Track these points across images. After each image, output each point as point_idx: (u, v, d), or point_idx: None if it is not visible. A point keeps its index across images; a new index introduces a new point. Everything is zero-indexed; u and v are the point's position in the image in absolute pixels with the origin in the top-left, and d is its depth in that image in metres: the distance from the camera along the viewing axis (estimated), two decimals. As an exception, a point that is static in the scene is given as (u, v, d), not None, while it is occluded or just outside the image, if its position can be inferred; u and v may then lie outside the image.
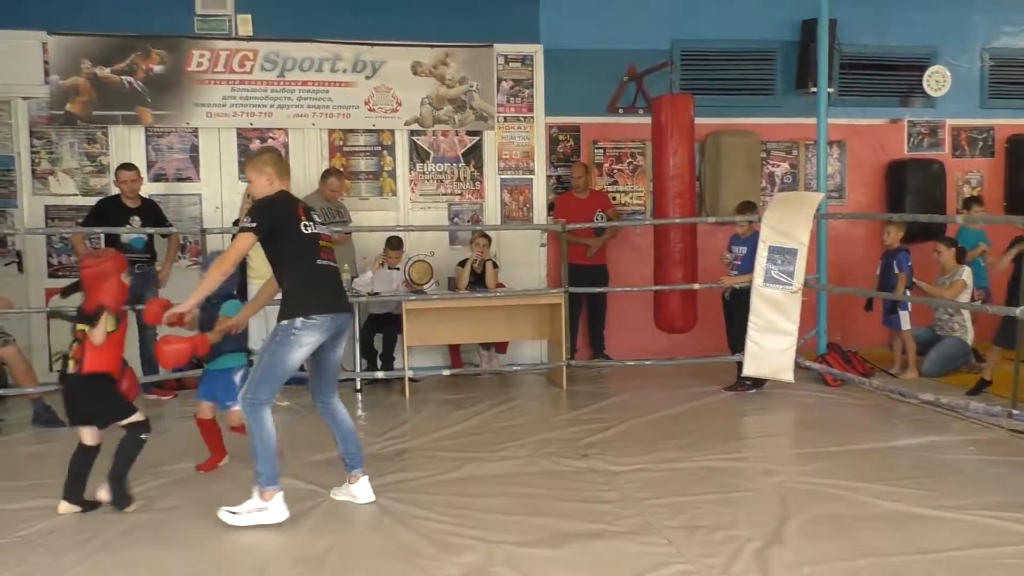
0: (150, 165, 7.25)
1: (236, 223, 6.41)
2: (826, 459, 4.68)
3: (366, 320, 7.04)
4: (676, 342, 7.48)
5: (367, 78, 7.46)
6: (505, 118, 7.80)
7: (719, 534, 3.60)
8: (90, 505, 3.97)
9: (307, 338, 3.80)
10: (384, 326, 7.03)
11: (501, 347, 7.51)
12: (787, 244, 6.18)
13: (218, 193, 7.26)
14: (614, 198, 7.96)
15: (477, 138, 7.79)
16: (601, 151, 8.04)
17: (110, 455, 4.01)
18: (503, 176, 7.85)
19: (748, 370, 6.28)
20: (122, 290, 4.04)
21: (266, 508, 3.78)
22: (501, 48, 7.72)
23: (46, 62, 7.00)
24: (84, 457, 3.98)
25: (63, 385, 4.01)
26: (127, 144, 7.20)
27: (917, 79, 8.26)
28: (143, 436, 4.01)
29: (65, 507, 3.96)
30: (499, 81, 7.75)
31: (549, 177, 7.94)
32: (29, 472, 4.67)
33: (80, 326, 3.97)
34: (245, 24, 7.29)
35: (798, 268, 6.16)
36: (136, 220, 6.33)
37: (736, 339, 6.45)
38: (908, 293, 6.74)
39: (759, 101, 8.15)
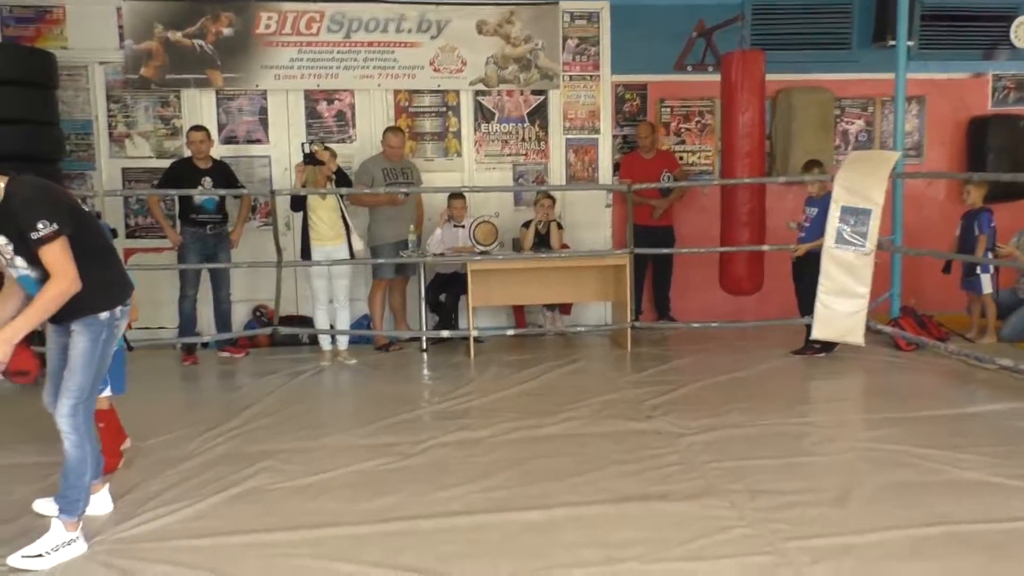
0: (221, 127, 7.39)
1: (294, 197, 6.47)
2: (896, 425, 4.58)
3: (432, 279, 7.10)
4: (743, 304, 7.38)
5: (432, 38, 7.45)
6: (570, 77, 7.72)
7: (783, 499, 3.56)
8: None
9: (122, 326, 3.37)
10: (449, 285, 7.09)
11: (565, 308, 7.51)
12: (861, 204, 6.00)
13: (287, 155, 7.37)
14: (681, 158, 7.83)
15: (542, 97, 7.73)
16: (668, 110, 7.90)
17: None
18: (568, 136, 7.79)
19: (817, 333, 6.16)
20: None
21: (74, 540, 3.22)
22: (567, 5, 7.62)
23: (120, 27, 7.16)
24: None
25: None
26: (199, 107, 7.35)
27: (1003, 30, 7.87)
28: None
29: None
30: (564, 39, 7.65)
31: (615, 137, 7.84)
32: None
33: None
34: (312, -15, 7.34)
35: (872, 229, 5.98)
36: (208, 181, 6.47)
37: (805, 301, 6.33)
38: (990, 255, 6.50)
39: (834, 56, 7.87)
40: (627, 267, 6.66)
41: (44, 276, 3.05)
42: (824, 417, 4.92)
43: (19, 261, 3.08)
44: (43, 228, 2.94)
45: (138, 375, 5.96)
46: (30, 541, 3.17)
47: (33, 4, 7.10)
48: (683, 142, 7.92)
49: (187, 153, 6.67)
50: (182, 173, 6.49)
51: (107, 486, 3.64)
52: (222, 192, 6.50)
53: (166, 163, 6.92)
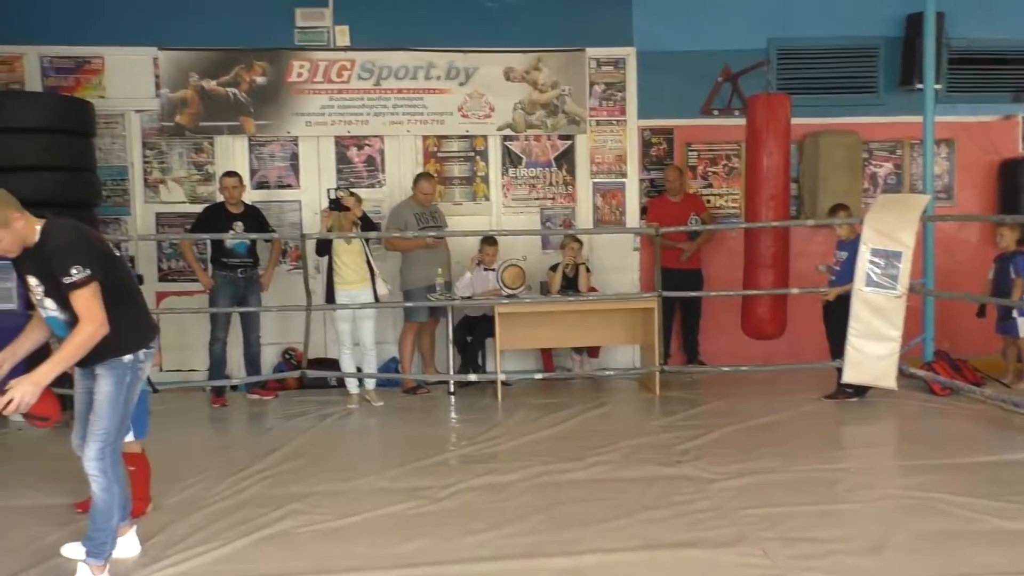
0: (253, 173, 7.52)
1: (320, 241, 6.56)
2: (932, 472, 4.49)
3: (459, 321, 7.12)
4: (773, 348, 7.31)
5: (460, 84, 7.56)
6: (597, 122, 7.78)
7: (818, 547, 3.50)
8: None
9: (147, 369, 3.44)
10: (476, 329, 7.10)
11: (593, 351, 7.48)
12: (891, 247, 5.95)
13: (316, 200, 7.46)
14: (708, 201, 7.84)
15: (569, 142, 7.79)
16: (695, 153, 7.92)
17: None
18: (595, 180, 7.83)
19: (848, 377, 6.08)
20: None
21: None
22: (593, 52, 7.71)
23: (157, 76, 7.35)
24: None
25: None
26: (231, 153, 7.49)
27: (1032, 73, 7.85)
28: None
29: None
30: (591, 85, 7.73)
31: (642, 180, 7.87)
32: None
33: None
34: (343, 35, 7.48)
35: (903, 272, 5.92)
36: (239, 225, 6.57)
37: (837, 345, 6.25)
38: (1024, 298, 6.40)
39: (860, 99, 7.88)
40: (655, 310, 6.63)
41: (72, 319, 3.11)
42: (858, 463, 4.83)
43: (49, 303, 3.16)
44: (76, 273, 3.02)
45: (168, 417, 6.05)
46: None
47: (73, 55, 7.30)
48: (710, 185, 7.93)
49: (220, 198, 6.78)
50: (214, 217, 6.60)
51: (135, 528, 3.65)
52: (253, 236, 6.59)
53: (199, 208, 7.04)
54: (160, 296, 7.40)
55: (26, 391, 3.00)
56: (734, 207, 7.93)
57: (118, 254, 3.39)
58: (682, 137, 7.89)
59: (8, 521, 3.99)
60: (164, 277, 7.51)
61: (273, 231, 6.94)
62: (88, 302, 3.05)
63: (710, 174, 7.94)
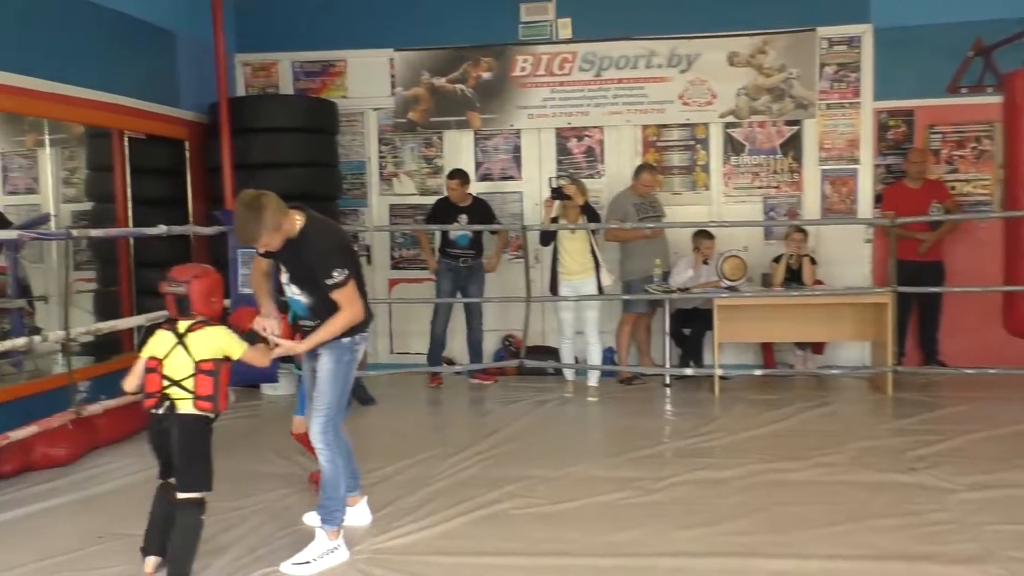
0: (478, 165, 7.82)
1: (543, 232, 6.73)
2: None
3: (673, 314, 7.03)
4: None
5: (682, 72, 7.43)
6: (828, 105, 7.37)
7: (1077, 573, 3.14)
8: None
9: (362, 350, 3.67)
10: (692, 321, 6.98)
11: (818, 348, 7.12)
12: None
13: (537, 191, 7.63)
14: (952, 187, 7.20)
15: (796, 127, 7.44)
16: (939, 136, 7.30)
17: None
18: (824, 167, 7.42)
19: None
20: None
21: (335, 549, 3.51)
22: (824, 31, 7.30)
23: (392, 76, 7.82)
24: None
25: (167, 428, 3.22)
26: (458, 147, 7.83)
27: None
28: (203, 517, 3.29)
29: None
30: (822, 66, 7.33)
31: (877, 166, 7.37)
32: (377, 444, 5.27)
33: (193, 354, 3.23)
34: (565, 28, 7.58)
35: None
36: (463, 218, 6.88)
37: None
38: None
39: None
40: (889, 306, 6.20)
41: (314, 304, 3.48)
42: None
43: (294, 288, 3.52)
44: (338, 276, 3.38)
45: (395, 399, 6.47)
46: (301, 549, 3.49)
47: (320, 59, 7.93)
48: (955, 170, 7.27)
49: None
50: (441, 210, 6.97)
51: (365, 499, 3.93)
52: (475, 228, 6.87)
53: (429, 200, 7.46)
54: (392, 283, 7.90)
55: (294, 348, 3.49)
56: (984, 193, 7.23)
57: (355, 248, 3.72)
58: (924, 119, 7.29)
59: (259, 484, 4.42)
60: (396, 265, 7.99)
61: (499, 222, 7.17)
62: (349, 296, 3.43)
63: (956, 158, 7.28)
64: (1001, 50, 6.88)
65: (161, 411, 3.17)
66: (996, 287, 6.34)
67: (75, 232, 5.32)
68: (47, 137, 6.51)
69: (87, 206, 6.79)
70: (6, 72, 5.13)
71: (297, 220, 3.41)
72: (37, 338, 5.04)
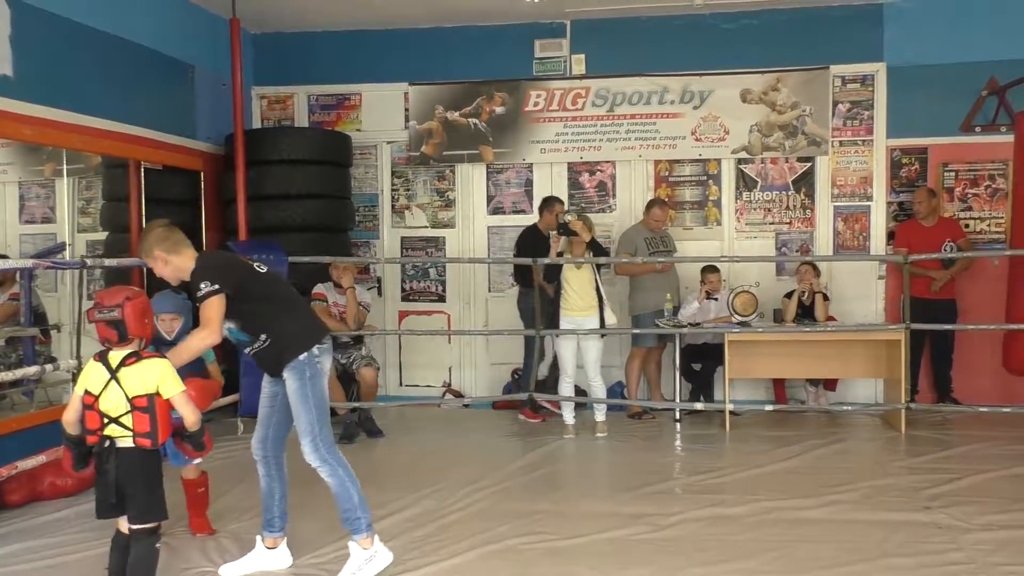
0: (490, 199, 7.86)
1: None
2: None
3: (683, 349, 6.99)
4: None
5: (694, 108, 7.48)
6: (840, 142, 7.40)
7: (1096, 617, 3.08)
8: None
9: (325, 363, 3.63)
10: (702, 357, 6.94)
11: (830, 384, 7.07)
12: None
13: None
14: (967, 225, 7.18)
15: (809, 164, 7.46)
16: (952, 174, 7.30)
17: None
18: (837, 203, 7.43)
19: None
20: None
21: (374, 555, 3.57)
22: (838, 69, 7.34)
23: (407, 109, 7.89)
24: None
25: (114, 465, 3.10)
26: (471, 180, 7.87)
27: None
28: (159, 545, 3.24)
29: None
30: (835, 104, 7.37)
31: (890, 204, 7.37)
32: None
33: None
34: (579, 63, 7.66)
35: None
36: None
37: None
38: None
39: None
40: (902, 342, 6.16)
41: (242, 323, 3.50)
42: None
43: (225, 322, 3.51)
44: (204, 288, 3.38)
45: (402, 430, 6.42)
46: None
47: (335, 92, 8.02)
48: (969, 208, 7.27)
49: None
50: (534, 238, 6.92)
51: (285, 540, 3.80)
52: (497, 260, 6.81)
53: (440, 232, 7.60)
54: (402, 315, 7.91)
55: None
56: (998, 232, 7.21)
57: (264, 271, 3.69)
58: (937, 156, 7.30)
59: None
60: (406, 297, 8.00)
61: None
62: (207, 315, 3.37)
63: (970, 196, 7.28)
64: (1014, 90, 6.91)
65: (106, 445, 3.06)
66: (1001, 326, 6.30)
67: (89, 261, 5.36)
68: (65, 167, 6.58)
69: (102, 236, 6.85)
70: (28, 103, 5.21)
71: (192, 257, 3.50)
72: (49, 367, 5.05)
